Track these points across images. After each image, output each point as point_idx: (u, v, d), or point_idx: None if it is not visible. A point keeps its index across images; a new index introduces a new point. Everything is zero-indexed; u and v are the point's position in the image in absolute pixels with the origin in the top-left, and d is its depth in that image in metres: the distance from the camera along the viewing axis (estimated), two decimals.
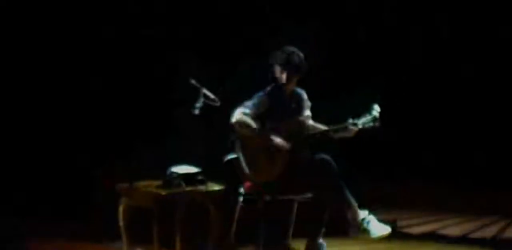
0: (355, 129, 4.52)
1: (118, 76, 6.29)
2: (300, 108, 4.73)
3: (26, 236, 4.86)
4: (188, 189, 4.40)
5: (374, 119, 4.50)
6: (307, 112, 4.76)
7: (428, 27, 7.35)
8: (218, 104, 4.57)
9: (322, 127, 4.69)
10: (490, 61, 7.26)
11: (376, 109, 4.50)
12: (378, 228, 4.45)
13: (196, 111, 4.52)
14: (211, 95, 4.56)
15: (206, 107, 4.53)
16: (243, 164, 4.53)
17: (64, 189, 5.86)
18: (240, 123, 4.47)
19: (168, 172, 4.43)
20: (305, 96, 4.78)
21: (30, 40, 6.05)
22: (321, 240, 4.62)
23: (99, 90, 6.21)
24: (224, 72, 6.51)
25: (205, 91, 4.55)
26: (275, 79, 4.65)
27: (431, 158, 7.28)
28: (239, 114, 4.49)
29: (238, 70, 6.54)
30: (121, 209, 4.49)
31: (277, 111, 4.61)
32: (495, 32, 7.16)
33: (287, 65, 4.59)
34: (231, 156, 4.59)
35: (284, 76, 4.61)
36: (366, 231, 4.45)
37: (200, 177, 4.46)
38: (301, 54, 4.64)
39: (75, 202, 5.64)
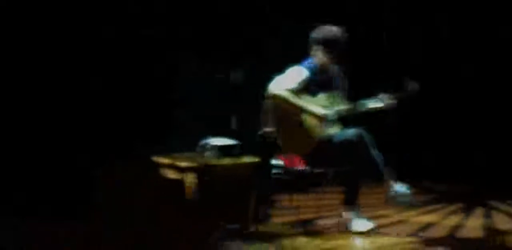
0: (390, 101, 4.53)
1: (118, 76, 6.28)
2: (337, 86, 4.76)
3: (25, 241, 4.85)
4: (224, 160, 4.37)
5: (412, 93, 4.52)
6: (342, 92, 4.80)
7: (428, 27, 7.35)
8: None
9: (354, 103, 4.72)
10: (490, 61, 7.25)
11: (414, 84, 4.52)
12: (409, 201, 4.49)
13: (233, 82, 4.53)
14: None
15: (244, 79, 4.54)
16: (277, 137, 4.55)
17: (64, 189, 5.86)
18: (280, 98, 4.47)
19: (204, 144, 4.42)
20: (341, 73, 4.81)
21: (29, 40, 6.04)
22: (355, 212, 4.64)
23: (99, 90, 6.20)
24: (224, 72, 6.52)
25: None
26: (315, 56, 4.68)
27: (431, 158, 7.28)
28: (279, 89, 4.47)
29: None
30: (157, 181, 4.49)
31: (314, 87, 4.63)
32: (495, 32, 7.15)
33: (327, 43, 4.61)
34: (265, 129, 4.60)
35: (324, 54, 4.63)
36: (399, 204, 4.47)
37: (236, 149, 4.44)
38: (341, 32, 4.64)
39: (75, 202, 5.63)
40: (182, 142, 4.63)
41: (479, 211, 5.69)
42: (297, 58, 4.96)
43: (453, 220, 5.31)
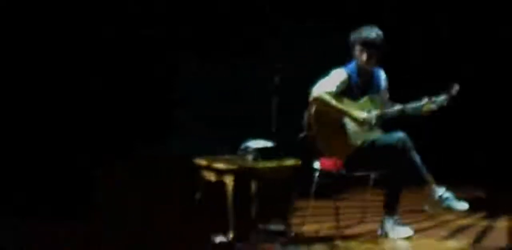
0: (431, 106, 4.53)
1: (118, 76, 6.28)
2: (378, 87, 4.77)
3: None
4: (264, 163, 4.38)
5: (450, 98, 4.52)
6: (385, 93, 4.80)
7: (428, 27, 7.34)
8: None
9: (399, 106, 4.71)
10: (490, 61, 7.24)
11: (456, 88, 4.53)
12: (456, 205, 4.47)
13: (273, 85, 4.54)
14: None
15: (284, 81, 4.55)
16: (318, 140, 4.56)
17: (64, 189, 5.85)
18: (321, 101, 4.48)
19: (244, 146, 4.43)
20: (384, 76, 4.82)
21: (29, 40, 6.03)
22: (396, 217, 4.64)
23: (99, 90, 6.20)
24: (224, 72, 6.52)
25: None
26: (355, 58, 4.69)
27: (431, 159, 7.26)
28: (320, 92, 4.49)
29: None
30: (198, 183, 4.50)
31: (356, 89, 4.64)
32: (495, 32, 7.15)
33: (366, 44, 4.60)
34: (306, 133, 4.60)
35: (364, 55, 4.64)
36: (444, 208, 4.47)
37: (276, 152, 4.45)
38: (380, 33, 4.64)
39: (75, 202, 5.62)
40: (182, 142, 4.63)
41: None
42: (297, 58, 4.97)
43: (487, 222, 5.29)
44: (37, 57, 6.06)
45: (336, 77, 4.61)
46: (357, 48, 4.65)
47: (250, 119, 5.17)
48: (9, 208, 5.45)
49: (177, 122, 6.27)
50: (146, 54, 6.37)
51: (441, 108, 4.63)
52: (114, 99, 6.25)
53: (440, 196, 4.49)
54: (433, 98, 4.60)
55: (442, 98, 4.59)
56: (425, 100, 4.60)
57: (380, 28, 6.17)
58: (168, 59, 6.43)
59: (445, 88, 4.59)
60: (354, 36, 4.68)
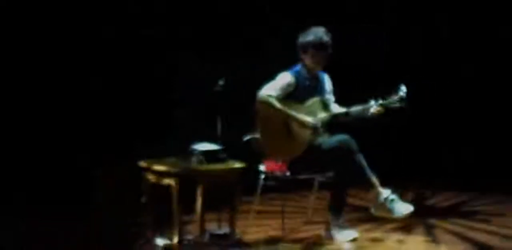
0: (379, 109, 4.52)
1: (118, 76, 6.28)
2: (324, 90, 4.76)
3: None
4: (209, 166, 4.39)
5: (401, 99, 4.50)
6: (330, 95, 4.79)
7: (428, 27, 7.34)
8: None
9: (344, 109, 4.70)
10: (490, 61, 7.25)
11: (403, 90, 4.50)
12: (401, 208, 4.45)
13: (218, 88, 4.53)
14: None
15: (229, 86, 4.53)
16: (264, 143, 4.55)
17: (64, 189, 5.86)
18: (266, 104, 4.48)
19: (189, 149, 4.42)
20: (328, 79, 4.81)
21: (29, 40, 6.04)
22: (341, 219, 4.62)
23: (99, 90, 6.20)
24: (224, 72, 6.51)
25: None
26: (302, 61, 4.67)
27: (430, 158, 7.28)
28: (265, 96, 4.48)
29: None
30: (143, 186, 4.49)
31: (301, 92, 4.62)
32: (495, 32, 7.15)
33: (317, 46, 4.59)
34: (252, 135, 4.59)
35: (314, 57, 4.62)
36: (389, 211, 4.45)
37: (221, 154, 4.44)
38: (329, 34, 4.62)
39: (75, 202, 5.63)
40: (182, 142, 4.63)
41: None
42: (297, 59, 4.93)
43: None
44: (37, 57, 6.07)
45: (282, 80, 4.59)
46: (309, 51, 4.61)
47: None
48: (9, 208, 5.47)
49: (177, 123, 6.26)
50: (146, 54, 6.37)
51: (395, 110, 4.58)
52: (114, 99, 6.25)
53: (386, 198, 4.46)
54: (380, 101, 4.56)
55: (390, 100, 4.55)
56: (371, 103, 4.57)
57: (381, 28, 6.21)
58: (168, 59, 6.43)
59: (393, 90, 4.55)
60: (303, 38, 4.64)
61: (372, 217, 4.77)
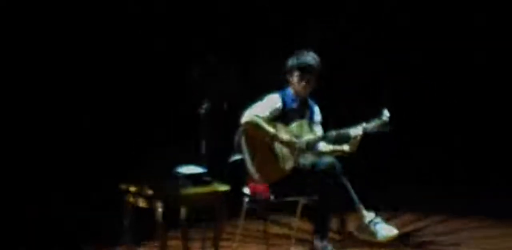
0: (360, 133, 4.51)
1: (122, 80, 6.29)
2: (311, 116, 4.76)
3: None
4: (193, 189, 4.40)
5: (384, 124, 4.50)
6: (318, 127, 4.79)
7: (429, 27, 7.35)
8: (225, 106, 4.58)
9: (326, 133, 4.68)
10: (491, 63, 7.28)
11: (386, 114, 4.50)
12: (385, 230, 4.46)
13: (203, 111, 4.53)
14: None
15: (212, 108, 4.52)
16: (248, 165, 4.54)
17: (66, 190, 5.88)
18: (252, 125, 4.48)
19: (174, 172, 4.44)
20: (318, 111, 4.80)
21: (30, 40, 6.05)
22: (326, 242, 4.62)
23: (101, 95, 6.21)
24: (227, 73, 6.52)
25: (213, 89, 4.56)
26: (291, 83, 4.67)
27: (429, 160, 7.30)
28: (252, 116, 4.50)
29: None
30: (126, 209, 4.49)
31: (287, 114, 4.62)
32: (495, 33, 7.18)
33: (304, 70, 4.61)
34: (236, 157, 4.59)
35: (301, 81, 4.63)
36: (373, 233, 4.46)
37: (205, 177, 4.46)
38: (317, 59, 4.64)
39: (75, 203, 5.65)
40: (165, 164, 4.62)
41: None
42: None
43: None
44: (41, 60, 6.08)
45: (270, 102, 4.58)
46: (295, 74, 4.63)
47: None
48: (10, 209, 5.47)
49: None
50: (148, 59, 6.38)
51: (379, 133, 4.57)
52: (116, 104, 6.25)
53: (370, 221, 4.47)
54: (364, 125, 4.56)
55: (372, 125, 4.55)
56: (353, 127, 4.56)
57: (381, 28, 6.20)
58: (172, 63, 6.42)
59: (376, 114, 4.55)
60: (292, 61, 4.64)
61: (356, 240, 4.74)
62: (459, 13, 7.21)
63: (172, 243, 4.55)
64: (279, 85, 4.71)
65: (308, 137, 4.62)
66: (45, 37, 6.06)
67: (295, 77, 4.62)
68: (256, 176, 4.54)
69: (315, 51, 4.65)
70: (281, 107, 4.59)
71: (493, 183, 6.97)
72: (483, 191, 6.70)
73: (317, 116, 4.80)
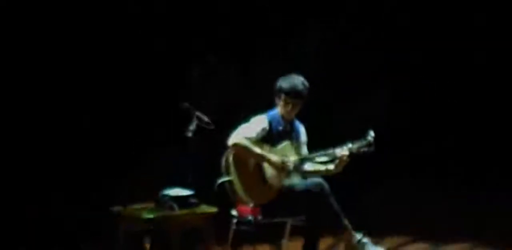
0: (346, 153, 4.52)
1: (122, 80, 6.29)
2: (297, 137, 4.76)
3: None
4: (181, 211, 4.41)
5: (369, 144, 4.51)
6: (304, 147, 4.79)
7: (429, 27, 7.35)
8: (212, 127, 4.58)
9: (312, 154, 4.68)
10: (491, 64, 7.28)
11: (371, 135, 4.52)
12: None
13: (189, 134, 4.53)
14: (205, 118, 4.56)
15: (199, 130, 4.53)
16: (236, 187, 4.54)
17: (66, 190, 5.89)
18: (240, 146, 4.49)
19: (160, 195, 4.45)
20: (303, 131, 4.80)
21: (30, 40, 6.05)
22: None
23: (101, 95, 6.22)
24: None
25: (198, 114, 4.56)
26: (278, 105, 4.68)
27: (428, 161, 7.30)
28: (240, 138, 4.50)
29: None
30: (116, 232, 4.50)
31: (276, 137, 4.63)
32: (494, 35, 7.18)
33: (290, 94, 4.61)
34: (224, 179, 4.59)
35: (287, 105, 4.63)
36: None
37: (193, 200, 4.46)
38: (306, 83, 4.63)
39: (75, 203, 5.66)
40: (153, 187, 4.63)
41: None
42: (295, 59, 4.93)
43: None
44: (43, 62, 6.09)
45: (257, 124, 4.57)
46: (282, 97, 4.63)
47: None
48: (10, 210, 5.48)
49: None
50: (147, 62, 6.38)
51: (362, 154, 4.59)
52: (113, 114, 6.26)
53: (358, 241, 4.47)
54: (349, 145, 4.57)
55: (357, 145, 4.55)
56: (339, 147, 4.57)
57: (381, 28, 6.19)
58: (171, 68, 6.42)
59: (362, 135, 4.56)
60: (280, 84, 4.63)
61: None
62: (459, 13, 7.21)
63: None
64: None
65: (294, 158, 4.63)
66: (45, 37, 6.07)
67: (281, 101, 4.62)
68: (244, 197, 4.53)
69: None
70: (267, 129, 4.58)
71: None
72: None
73: (303, 137, 4.80)
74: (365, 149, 4.52)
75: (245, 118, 4.58)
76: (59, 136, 6.12)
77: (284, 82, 4.61)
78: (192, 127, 4.53)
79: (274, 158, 4.54)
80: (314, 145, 4.71)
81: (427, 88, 7.38)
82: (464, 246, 5.51)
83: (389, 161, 6.77)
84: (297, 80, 4.60)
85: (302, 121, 4.78)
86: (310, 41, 6.89)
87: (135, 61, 6.34)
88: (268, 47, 6.75)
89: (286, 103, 4.61)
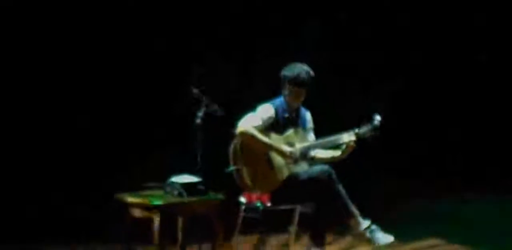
0: (353, 139, 4.53)
1: (122, 80, 6.28)
2: (304, 124, 4.77)
3: None
4: (189, 198, 4.41)
5: (375, 128, 4.51)
6: (310, 134, 4.80)
7: (429, 27, 7.35)
8: (222, 114, 4.58)
9: (319, 140, 4.69)
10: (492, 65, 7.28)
11: (377, 119, 4.52)
12: (381, 238, 4.46)
13: (198, 120, 4.53)
14: (214, 105, 4.57)
15: (208, 117, 4.53)
16: (244, 174, 4.55)
17: (66, 190, 5.89)
18: (247, 135, 4.50)
19: (169, 182, 4.45)
20: (310, 118, 4.82)
21: (30, 40, 6.05)
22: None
23: (101, 95, 6.21)
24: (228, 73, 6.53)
25: (207, 100, 4.56)
26: (283, 93, 4.69)
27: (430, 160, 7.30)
28: (247, 126, 4.51)
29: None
30: (125, 220, 4.49)
31: (282, 124, 4.64)
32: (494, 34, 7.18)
33: (296, 83, 4.62)
34: (232, 167, 4.61)
35: (292, 93, 4.64)
36: (369, 240, 4.46)
37: (201, 187, 4.46)
38: (310, 71, 4.65)
39: (75, 203, 5.66)
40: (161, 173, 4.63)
41: None
42: (295, 59, 4.89)
43: None
44: (43, 62, 6.08)
45: (263, 112, 4.60)
46: (287, 86, 4.65)
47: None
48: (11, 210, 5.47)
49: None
50: (148, 62, 6.37)
51: (369, 139, 4.58)
52: (114, 109, 6.25)
53: (366, 228, 4.48)
54: (356, 130, 4.57)
55: (364, 130, 4.56)
56: (345, 133, 4.57)
57: (381, 28, 6.18)
58: (171, 67, 6.41)
59: (368, 120, 4.56)
60: (285, 73, 4.66)
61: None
62: (459, 13, 7.21)
63: None
64: (278, 85, 4.72)
65: (301, 145, 4.64)
66: (45, 37, 6.07)
67: (286, 90, 4.64)
68: (251, 185, 4.55)
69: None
70: (273, 117, 4.60)
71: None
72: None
73: (309, 123, 4.82)
74: (372, 133, 4.52)
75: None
76: (59, 135, 6.12)
77: (288, 71, 4.64)
78: (201, 113, 4.54)
79: (281, 146, 4.55)
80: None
81: (427, 88, 7.38)
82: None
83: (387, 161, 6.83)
84: (301, 69, 4.63)
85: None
86: (309, 41, 6.88)
87: (135, 61, 6.33)
88: (268, 47, 6.75)
89: (290, 91, 4.63)
